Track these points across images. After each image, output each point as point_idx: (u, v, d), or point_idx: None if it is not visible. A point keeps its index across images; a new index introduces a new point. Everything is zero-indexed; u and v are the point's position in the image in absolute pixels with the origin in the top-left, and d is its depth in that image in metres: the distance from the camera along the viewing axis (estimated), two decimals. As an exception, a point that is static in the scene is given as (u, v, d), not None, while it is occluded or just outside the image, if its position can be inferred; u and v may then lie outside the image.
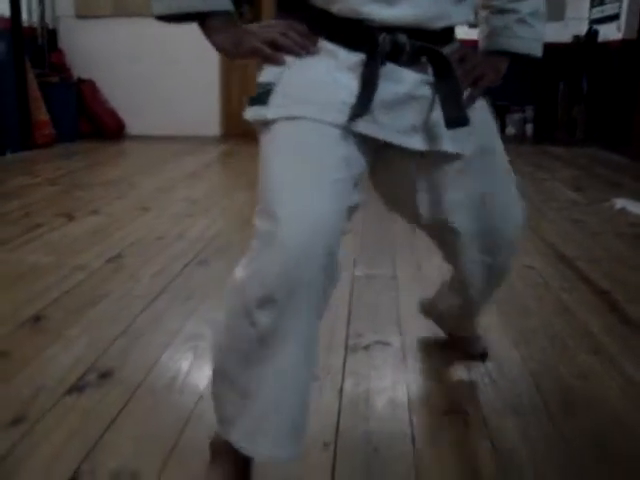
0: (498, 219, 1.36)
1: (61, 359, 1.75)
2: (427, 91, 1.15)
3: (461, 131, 1.17)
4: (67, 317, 2.04)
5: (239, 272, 1.11)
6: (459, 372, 1.73)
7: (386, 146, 1.17)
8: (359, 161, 1.14)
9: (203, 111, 7.09)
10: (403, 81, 1.13)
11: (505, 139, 5.49)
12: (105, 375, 1.65)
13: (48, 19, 7.04)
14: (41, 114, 6.17)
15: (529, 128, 8.10)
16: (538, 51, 1.33)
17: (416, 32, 1.11)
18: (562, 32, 7.87)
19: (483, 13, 1.36)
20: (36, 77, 6.25)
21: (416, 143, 1.17)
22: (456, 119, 1.15)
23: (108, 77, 7.11)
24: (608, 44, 7.27)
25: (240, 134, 7.08)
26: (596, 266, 2.65)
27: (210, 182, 4.58)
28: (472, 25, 1.30)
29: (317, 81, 1.12)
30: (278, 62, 1.15)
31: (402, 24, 1.10)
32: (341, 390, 1.61)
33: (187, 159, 5.55)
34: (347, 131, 1.10)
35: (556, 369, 1.75)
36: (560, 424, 1.48)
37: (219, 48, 1.19)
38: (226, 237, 2.96)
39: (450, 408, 1.55)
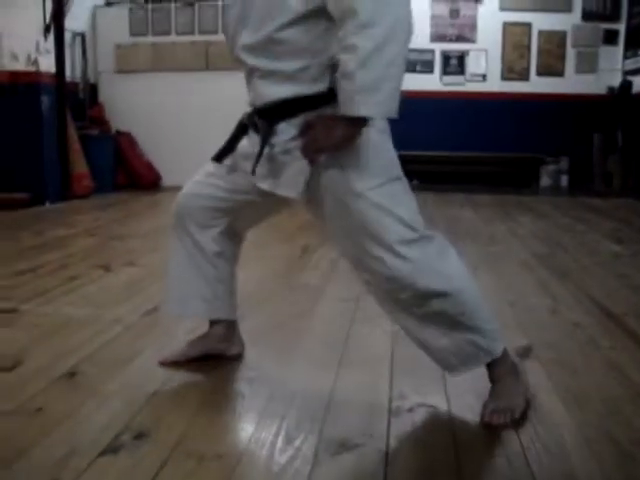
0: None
1: (96, 418, 1.71)
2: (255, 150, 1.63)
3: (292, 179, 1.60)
4: (102, 373, 2.00)
5: None
6: (509, 437, 1.64)
7: None
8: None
9: (237, 163, 7.15)
10: (252, 144, 1.67)
11: (540, 190, 5.49)
12: (140, 436, 1.60)
13: (90, 74, 7.24)
14: (81, 166, 6.29)
15: (564, 179, 8.03)
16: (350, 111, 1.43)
17: (258, 110, 1.63)
18: (596, 84, 7.87)
19: None
20: (77, 130, 6.40)
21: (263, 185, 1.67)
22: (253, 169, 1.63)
23: (145, 130, 7.25)
24: (643, 95, 7.23)
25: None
26: (645, 323, 2.55)
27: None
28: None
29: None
30: None
31: (251, 104, 1.67)
32: (386, 457, 1.54)
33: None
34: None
35: (612, 435, 1.66)
36: (621, 497, 1.39)
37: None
38: (261, 293, 2.92)
39: (498, 477, 1.46)
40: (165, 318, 2.53)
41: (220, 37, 7.24)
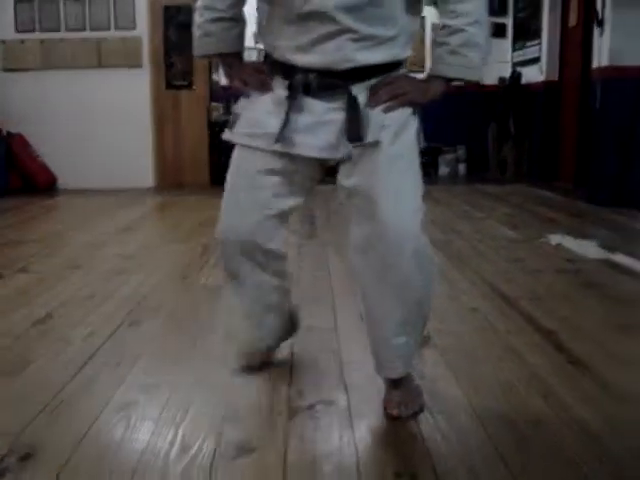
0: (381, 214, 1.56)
1: (-22, 440, 1.59)
2: (337, 116, 1.57)
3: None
4: (-13, 390, 1.88)
5: None
6: (409, 429, 1.64)
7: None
8: (285, 173, 1.66)
9: (136, 163, 6.96)
10: (313, 111, 1.58)
11: (439, 179, 5.59)
12: (27, 457, 1.50)
13: (-27, 73, 6.86)
14: (-34, 170, 5.94)
15: (462, 168, 8.24)
16: (471, 75, 1.59)
17: (327, 72, 1.55)
18: (488, 75, 8.11)
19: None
20: (-39, 133, 6.04)
21: (315, 152, 1.60)
22: (353, 136, 1.55)
23: (38, 130, 6.93)
24: (532, 86, 7.50)
25: (175, 185, 6.98)
26: (539, 305, 2.63)
27: (144, 236, 4.44)
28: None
29: (257, 119, 1.65)
30: (245, 95, 1.71)
31: (315, 67, 1.55)
32: (285, 456, 1.51)
33: (120, 212, 5.40)
34: (273, 153, 1.63)
35: (508, 417, 1.69)
36: (517, 478, 1.41)
37: (225, 76, 1.84)
38: (159, 295, 2.83)
39: (401, 469, 1.46)
40: (58, 326, 2.42)
41: (112, 33, 7.06)
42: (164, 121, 7.06)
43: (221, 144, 1.84)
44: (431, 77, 1.63)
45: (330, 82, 1.54)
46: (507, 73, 7.94)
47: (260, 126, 1.62)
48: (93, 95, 6.90)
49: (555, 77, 7.20)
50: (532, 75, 7.49)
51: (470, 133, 8.07)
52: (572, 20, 6.81)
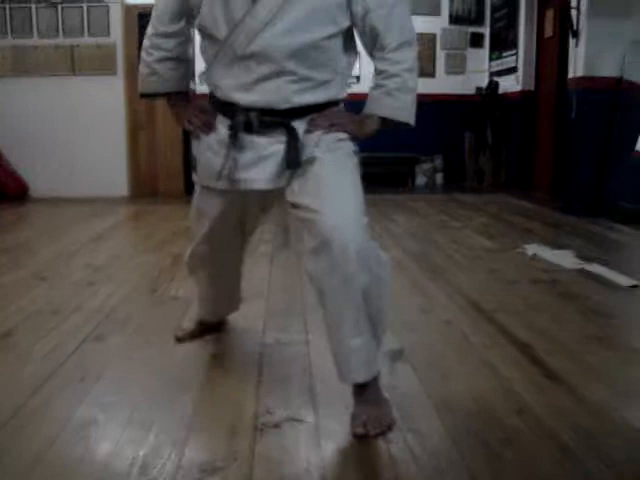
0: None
1: None
2: (277, 147, 1.66)
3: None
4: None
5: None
6: (378, 449, 1.58)
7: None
8: (234, 207, 1.90)
9: (110, 171, 6.86)
10: (254, 147, 1.68)
11: (416, 188, 5.54)
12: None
13: (-59, 79, 6.73)
14: None
15: (439, 177, 8.23)
16: (402, 117, 1.70)
17: (268, 111, 1.64)
18: (465, 84, 8.13)
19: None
20: None
21: (261, 184, 1.71)
22: (292, 163, 1.65)
23: (9, 138, 6.80)
24: (508, 95, 7.52)
25: (149, 194, 6.88)
26: (515, 317, 2.59)
27: (115, 246, 4.36)
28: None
29: (206, 160, 1.79)
30: (193, 136, 1.84)
31: (256, 106, 1.64)
32: (250, 478, 1.44)
33: (93, 221, 5.30)
34: (221, 191, 1.79)
35: (482, 436, 1.64)
36: (489, 501, 1.36)
37: (173, 117, 1.92)
38: (127, 308, 2.75)
39: (370, 491, 1.40)
40: (20, 342, 2.33)
41: (86, 40, 6.96)
42: (138, 129, 6.97)
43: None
44: (367, 115, 1.72)
45: (270, 120, 1.64)
46: (484, 83, 7.97)
47: (209, 167, 1.75)
48: (66, 102, 6.79)
49: (532, 87, 7.23)
50: (509, 85, 7.52)
51: (447, 143, 8.06)
52: (548, 31, 6.85)
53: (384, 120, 1.71)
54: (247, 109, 1.64)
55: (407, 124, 1.72)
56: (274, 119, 1.64)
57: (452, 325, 2.51)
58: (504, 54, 7.70)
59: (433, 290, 2.99)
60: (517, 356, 2.19)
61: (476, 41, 8.23)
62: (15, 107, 6.79)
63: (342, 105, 1.77)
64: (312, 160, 1.66)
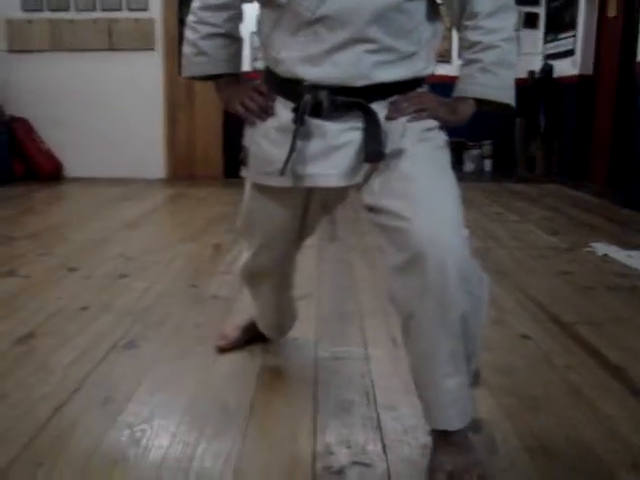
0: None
1: None
2: (353, 136, 1.36)
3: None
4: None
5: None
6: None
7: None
8: (296, 210, 1.60)
9: (147, 152, 6.64)
10: (325, 135, 1.37)
11: (464, 175, 5.19)
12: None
13: (-24, 54, 6.55)
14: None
15: (487, 164, 7.88)
16: (503, 97, 1.42)
17: (340, 89, 1.33)
18: (517, 67, 7.72)
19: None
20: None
21: (332, 181, 1.39)
22: (373, 155, 1.34)
23: (44, 115, 6.62)
24: (564, 80, 7.10)
25: (187, 177, 6.64)
26: (598, 332, 2.27)
27: (150, 233, 4.09)
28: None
29: (263, 153, 1.46)
30: (248, 123, 1.52)
31: (326, 82, 1.33)
32: None
33: (127, 205, 5.07)
34: (281, 191, 1.47)
35: (589, 494, 1.34)
36: None
37: (222, 102, 1.60)
38: (162, 308, 2.47)
39: None
40: (41, 347, 2.08)
41: (124, 14, 6.71)
42: (177, 109, 6.71)
43: (237, 136, 1.62)
44: (459, 98, 1.45)
45: (345, 101, 1.34)
46: (537, 66, 7.55)
47: (266, 160, 1.46)
48: (103, 79, 6.58)
49: (590, 71, 6.80)
50: (565, 68, 7.09)
51: (497, 128, 7.68)
52: (611, 10, 6.40)
53: (480, 102, 1.43)
54: (315, 87, 1.34)
55: (508, 106, 1.44)
56: (349, 99, 1.34)
57: (530, 341, 2.19)
58: (560, 36, 7.26)
59: (502, 296, 2.66)
60: (611, 384, 1.87)
61: (530, 21, 7.79)
62: (50, 83, 6.60)
63: (426, 87, 1.47)
64: (398, 153, 1.35)
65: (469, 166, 7.79)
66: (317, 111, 1.35)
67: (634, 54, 5.49)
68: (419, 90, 1.44)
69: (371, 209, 1.39)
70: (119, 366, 1.94)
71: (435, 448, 1.40)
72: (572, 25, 6.96)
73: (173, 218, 4.98)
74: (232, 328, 2.10)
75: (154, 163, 6.66)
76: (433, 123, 1.42)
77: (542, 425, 1.62)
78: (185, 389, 1.80)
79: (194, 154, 6.76)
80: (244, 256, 1.81)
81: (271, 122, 1.45)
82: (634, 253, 3.51)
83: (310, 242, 3.38)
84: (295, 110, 1.37)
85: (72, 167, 6.73)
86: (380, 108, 1.37)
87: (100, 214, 4.69)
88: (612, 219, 4.69)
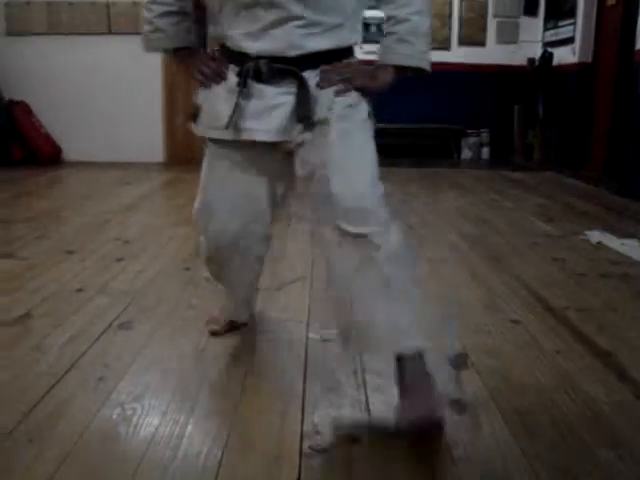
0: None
1: None
2: (287, 98, 1.55)
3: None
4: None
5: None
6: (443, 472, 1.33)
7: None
8: (248, 162, 1.70)
9: (146, 136, 6.64)
10: (263, 96, 1.57)
11: (462, 163, 5.21)
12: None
13: (-26, 36, 6.53)
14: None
15: (485, 152, 7.88)
16: (418, 63, 1.60)
17: (278, 59, 1.53)
18: (516, 55, 7.71)
19: None
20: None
21: (265, 135, 1.57)
22: (302, 115, 1.55)
23: (42, 99, 6.62)
24: (563, 67, 7.09)
25: (185, 161, 6.64)
26: (589, 318, 2.30)
27: (147, 217, 4.11)
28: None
29: (214, 109, 1.64)
30: (203, 86, 1.69)
31: (266, 54, 1.54)
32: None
33: (125, 189, 5.08)
34: (233, 144, 1.64)
35: (568, 469, 1.37)
36: None
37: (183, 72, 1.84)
38: (156, 290, 2.51)
39: None
40: (37, 327, 2.11)
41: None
42: (176, 91, 6.70)
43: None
44: (380, 66, 1.64)
45: (281, 68, 1.54)
46: (536, 53, 7.53)
47: (216, 117, 1.63)
48: (101, 62, 6.58)
49: (589, 59, 6.79)
50: (564, 56, 7.07)
51: (495, 116, 7.70)
52: (611, -2, 6.39)
53: (398, 69, 1.62)
54: (257, 57, 1.55)
55: (423, 70, 1.61)
56: (284, 67, 1.54)
57: (520, 325, 2.22)
58: (560, 23, 7.24)
59: (495, 282, 2.69)
60: (599, 368, 1.90)
61: (530, 9, 7.77)
62: (49, 66, 6.60)
63: (354, 56, 1.66)
64: (325, 124, 1.56)
65: (467, 154, 7.79)
66: (258, 76, 1.54)
67: (633, 42, 5.48)
68: (346, 61, 1.61)
69: (302, 179, 1.61)
70: (113, 346, 1.97)
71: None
72: (572, 13, 6.93)
73: (170, 202, 4.99)
74: (222, 311, 2.13)
75: (153, 147, 6.67)
76: (357, 98, 1.60)
77: (527, 407, 1.65)
78: (177, 369, 1.83)
79: (193, 138, 6.73)
80: (202, 241, 1.90)
81: (223, 85, 1.62)
82: (628, 241, 3.54)
83: (304, 227, 3.45)
84: (239, 75, 1.56)
85: (71, 151, 6.74)
86: (312, 76, 1.55)
87: (98, 198, 4.71)
88: (607, 207, 4.71)
